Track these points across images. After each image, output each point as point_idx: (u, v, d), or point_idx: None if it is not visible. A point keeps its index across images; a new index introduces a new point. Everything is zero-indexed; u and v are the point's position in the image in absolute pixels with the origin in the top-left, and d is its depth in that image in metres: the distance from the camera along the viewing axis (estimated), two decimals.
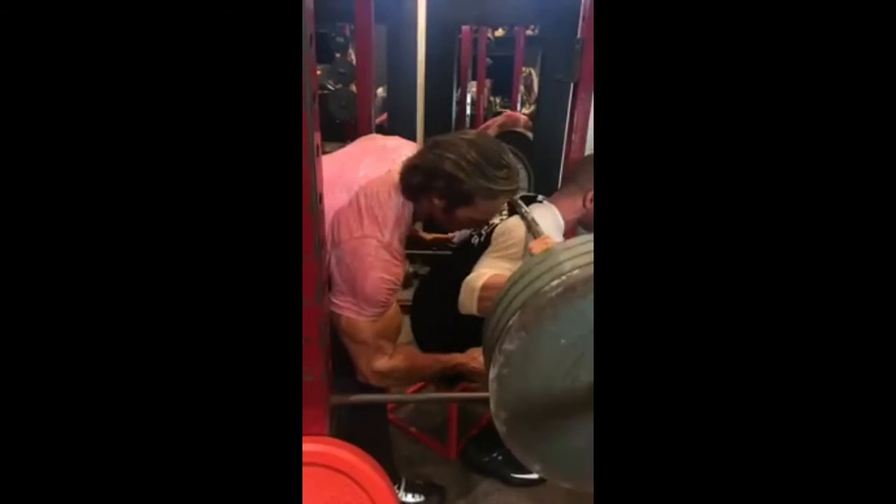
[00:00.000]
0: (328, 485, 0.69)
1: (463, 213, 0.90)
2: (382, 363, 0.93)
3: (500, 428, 0.61)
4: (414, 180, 0.87)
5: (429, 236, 1.37)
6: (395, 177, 0.90)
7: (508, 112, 3.10)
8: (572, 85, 1.34)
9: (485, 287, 0.96)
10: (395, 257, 0.89)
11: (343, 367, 0.85)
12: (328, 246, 0.86)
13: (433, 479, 1.34)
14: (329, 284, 0.87)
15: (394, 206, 0.88)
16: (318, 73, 2.47)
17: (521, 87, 3.31)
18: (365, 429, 0.96)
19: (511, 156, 0.90)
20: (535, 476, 1.36)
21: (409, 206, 0.91)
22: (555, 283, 0.54)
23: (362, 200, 0.87)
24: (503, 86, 3.45)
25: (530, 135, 2.61)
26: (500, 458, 1.37)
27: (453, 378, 1.17)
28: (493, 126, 2.85)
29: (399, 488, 1.23)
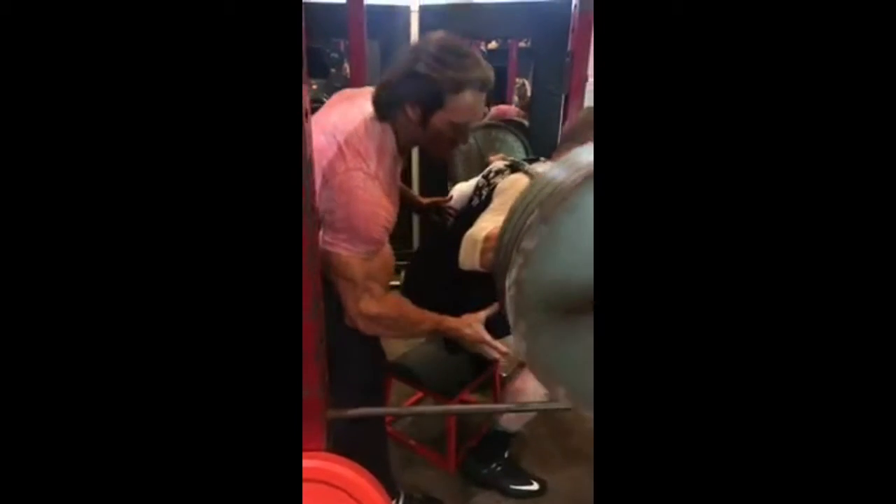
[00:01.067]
0: (325, 501, 0.69)
1: (438, 119, 0.88)
2: (371, 306, 0.90)
3: (520, 344, 0.57)
4: (385, 95, 0.88)
5: (426, 200, 1.34)
6: (369, 111, 0.90)
7: (498, 106, 3.06)
8: (563, 96, 1.36)
9: (487, 238, 0.90)
10: (385, 192, 0.88)
11: (340, 374, 0.84)
12: (318, 187, 0.84)
13: (432, 492, 1.33)
14: (320, 223, 0.86)
15: (373, 136, 0.88)
16: (315, 87, 2.50)
17: (515, 98, 3.33)
18: (362, 443, 0.95)
19: (473, 48, 0.89)
20: (534, 487, 1.36)
21: (389, 132, 0.90)
22: (574, 175, 0.51)
23: (340, 138, 0.88)
24: (497, 96, 3.47)
25: (526, 123, 2.59)
26: (499, 469, 1.36)
27: (451, 382, 1.14)
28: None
29: (397, 502, 1.22)
